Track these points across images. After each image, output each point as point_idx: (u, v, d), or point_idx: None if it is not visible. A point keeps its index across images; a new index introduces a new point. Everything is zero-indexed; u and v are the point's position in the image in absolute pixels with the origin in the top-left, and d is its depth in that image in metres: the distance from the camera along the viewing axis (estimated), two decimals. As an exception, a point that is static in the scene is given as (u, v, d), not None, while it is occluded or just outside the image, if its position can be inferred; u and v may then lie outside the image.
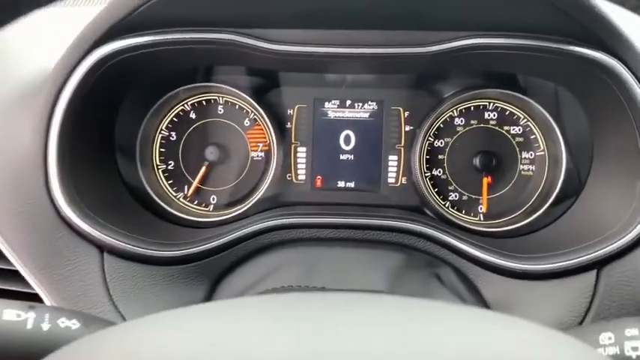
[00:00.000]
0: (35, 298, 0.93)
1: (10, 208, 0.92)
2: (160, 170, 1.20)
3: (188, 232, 1.11)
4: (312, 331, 0.46)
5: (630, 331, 0.60)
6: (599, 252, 0.89)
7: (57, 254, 0.92)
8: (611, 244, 0.88)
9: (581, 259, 0.90)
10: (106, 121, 1.07)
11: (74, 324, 0.66)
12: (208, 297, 0.98)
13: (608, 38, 0.87)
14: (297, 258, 1.01)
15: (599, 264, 0.89)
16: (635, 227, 0.87)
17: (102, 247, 0.93)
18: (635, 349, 0.58)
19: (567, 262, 0.91)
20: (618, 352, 0.59)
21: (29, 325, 0.64)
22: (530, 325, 0.50)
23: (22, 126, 0.93)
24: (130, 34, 0.93)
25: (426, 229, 1.02)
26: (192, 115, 1.20)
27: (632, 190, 0.91)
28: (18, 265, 0.92)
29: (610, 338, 0.60)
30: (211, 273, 0.99)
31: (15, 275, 0.93)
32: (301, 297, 0.57)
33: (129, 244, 0.94)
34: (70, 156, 0.93)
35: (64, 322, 0.66)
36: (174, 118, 1.20)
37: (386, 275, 0.98)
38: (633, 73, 0.87)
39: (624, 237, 0.88)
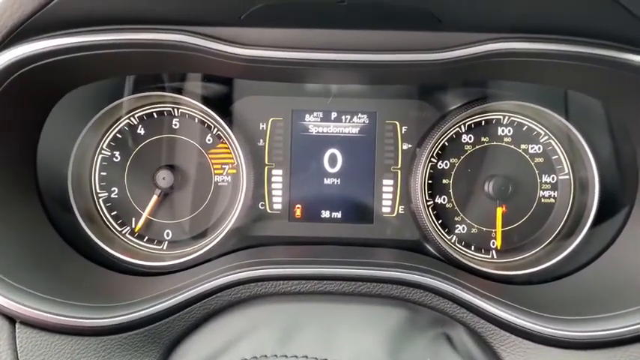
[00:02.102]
0: None
1: None
2: (100, 200, 1.03)
3: (134, 282, 0.93)
4: None
5: None
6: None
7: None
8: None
9: (632, 327, 0.74)
10: (25, 143, 0.86)
11: None
12: (157, 374, 0.78)
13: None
14: (272, 318, 0.85)
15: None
16: None
17: (13, 318, 0.73)
18: None
19: (615, 331, 0.75)
20: None
21: None
22: None
23: None
24: (46, 35, 0.71)
25: (430, 279, 0.85)
26: (141, 131, 1.03)
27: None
28: None
29: None
30: (161, 341, 0.82)
31: None
32: None
33: (50, 313, 0.73)
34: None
35: None
36: (118, 135, 1.03)
37: (383, 339, 0.83)
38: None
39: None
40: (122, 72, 0.91)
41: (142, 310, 0.79)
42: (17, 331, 0.74)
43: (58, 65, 0.76)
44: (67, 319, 0.74)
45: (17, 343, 0.73)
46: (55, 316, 0.74)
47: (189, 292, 0.82)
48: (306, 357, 0.80)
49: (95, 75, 0.86)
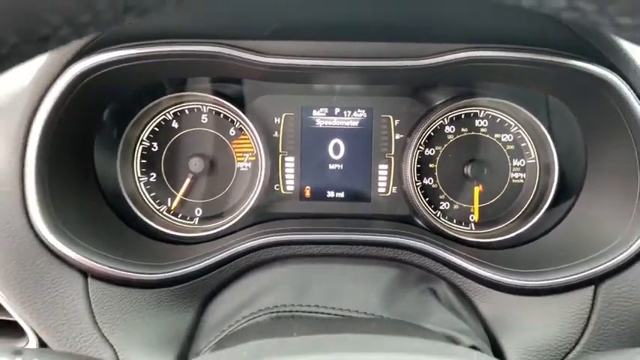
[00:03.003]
0: (16, 326, 0.88)
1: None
2: (141, 183, 1.16)
3: (173, 249, 1.07)
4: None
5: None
6: (596, 268, 0.88)
7: (38, 281, 0.87)
8: (609, 260, 0.88)
9: (578, 275, 0.90)
10: (86, 137, 1.02)
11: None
12: (197, 319, 0.95)
13: (610, 53, 0.86)
14: (289, 276, 0.98)
15: (597, 280, 0.89)
16: (634, 243, 0.87)
17: (86, 272, 0.89)
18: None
19: (565, 279, 0.90)
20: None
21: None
22: None
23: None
24: (110, 47, 0.88)
25: (419, 242, 1.00)
26: (175, 125, 1.16)
27: (630, 204, 0.90)
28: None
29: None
30: (200, 294, 0.96)
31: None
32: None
33: (115, 268, 0.89)
34: (49, 177, 0.88)
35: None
36: (156, 128, 1.16)
37: (380, 292, 0.96)
38: (634, 89, 0.86)
39: (622, 253, 0.87)
40: (165, 77, 1.06)
41: (184, 268, 0.94)
42: (89, 283, 0.89)
43: (117, 73, 0.90)
44: (127, 273, 0.90)
45: (90, 292, 0.89)
46: (118, 271, 0.89)
47: (221, 255, 0.96)
48: (317, 306, 0.95)
49: (143, 79, 1.02)
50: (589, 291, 0.89)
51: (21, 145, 0.86)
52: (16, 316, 0.87)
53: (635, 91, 0.86)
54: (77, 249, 0.88)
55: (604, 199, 0.98)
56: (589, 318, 0.89)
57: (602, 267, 0.88)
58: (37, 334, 0.92)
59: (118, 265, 0.90)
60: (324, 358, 0.53)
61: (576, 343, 0.88)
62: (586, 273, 0.89)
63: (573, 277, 0.90)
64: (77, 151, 0.98)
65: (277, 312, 0.90)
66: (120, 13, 0.31)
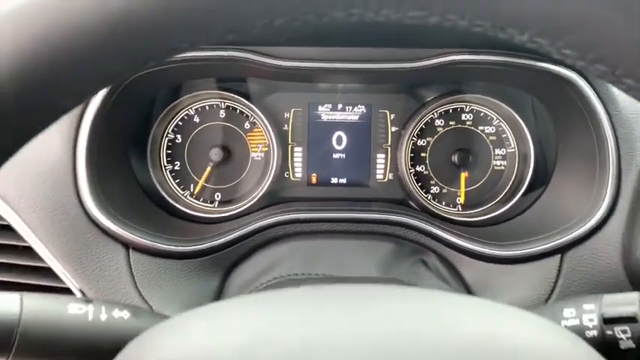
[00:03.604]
0: (67, 292, 1.03)
1: (42, 211, 1.01)
2: (167, 171, 1.30)
3: (198, 227, 1.22)
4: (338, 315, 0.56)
5: (588, 306, 0.74)
6: (562, 239, 1.04)
7: (87, 252, 1.02)
8: (572, 232, 1.03)
9: (547, 245, 1.05)
10: (124, 129, 1.17)
11: (125, 314, 0.78)
12: (222, 285, 1.09)
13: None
14: (300, 249, 1.12)
15: (563, 250, 1.04)
16: (592, 218, 1.03)
17: (128, 245, 1.04)
18: (591, 320, 0.73)
19: (536, 249, 1.06)
20: (578, 324, 0.73)
21: (90, 317, 0.75)
22: (500, 306, 0.62)
23: (52, 134, 1.03)
24: None
25: (411, 220, 1.14)
26: (196, 119, 1.30)
27: (591, 185, 1.06)
28: (51, 263, 1.02)
29: (572, 313, 0.75)
30: (223, 264, 1.10)
31: (48, 272, 1.03)
32: (324, 289, 0.68)
33: (151, 241, 1.05)
34: (96, 164, 1.03)
35: (117, 314, 0.77)
36: (180, 122, 1.29)
37: (378, 263, 1.10)
38: (593, 87, 1.01)
39: (583, 226, 1.03)
40: (192, 77, 1.21)
41: (209, 243, 1.08)
42: (130, 254, 1.04)
43: (150, 75, 1.05)
44: (161, 246, 1.05)
45: (131, 262, 1.04)
46: (154, 244, 1.04)
47: (239, 232, 1.11)
48: (325, 274, 1.10)
49: (173, 80, 1.18)
50: (556, 259, 1.05)
51: (73, 137, 1.02)
52: (68, 283, 1.02)
53: (594, 89, 1.02)
54: (120, 225, 1.03)
55: (570, 181, 1.14)
56: (556, 282, 1.04)
57: (566, 238, 1.04)
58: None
59: (154, 239, 1.06)
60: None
61: (545, 302, 1.03)
62: (553, 244, 1.04)
63: (543, 247, 1.05)
64: (118, 141, 1.14)
65: (290, 279, 1.06)
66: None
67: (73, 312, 0.74)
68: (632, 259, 0.98)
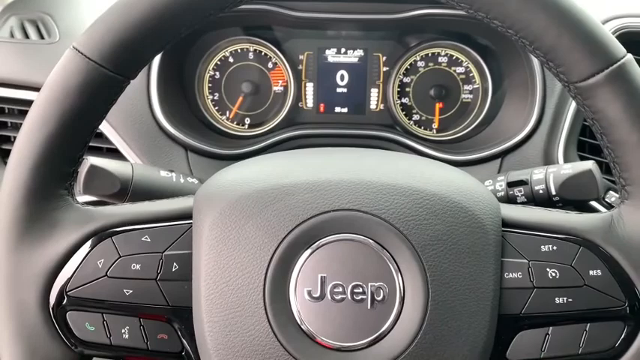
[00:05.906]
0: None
1: (125, 121, 1.41)
2: (208, 100, 1.65)
3: (232, 141, 1.60)
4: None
5: (500, 177, 1.13)
6: (502, 147, 1.42)
7: (158, 154, 1.40)
8: (509, 142, 1.41)
9: (491, 151, 1.42)
10: (178, 65, 1.55)
11: (195, 180, 1.18)
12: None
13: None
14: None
15: (502, 154, 1.42)
16: (523, 131, 1.40)
17: (186, 147, 1.43)
18: (500, 185, 1.12)
19: (483, 154, 1.43)
20: (492, 188, 1.12)
21: (174, 180, 1.15)
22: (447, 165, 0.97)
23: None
24: None
25: (397, 137, 1.53)
26: (230, 60, 1.63)
27: (525, 104, 1.43)
28: (130, 159, 1.42)
29: (490, 182, 1.14)
30: None
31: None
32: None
33: (204, 145, 1.44)
34: (164, 89, 1.42)
35: (190, 179, 1.17)
36: (218, 62, 1.63)
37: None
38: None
39: (517, 136, 1.41)
40: (230, 26, 1.54)
41: (244, 149, 1.46)
42: (189, 154, 1.42)
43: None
44: (211, 149, 1.42)
45: (189, 160, 1.42)
46: (206, 147, 1.42)
47: (266, 142, 1.48)
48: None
49: (216, 28, 1.55)
50: (497, 162, 1.43)
51: (147, 72, 1.40)
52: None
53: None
54: (181, 132, 1.41)
55: (512, 106, 1.51)
56: (497, 177, 1.43)
57: (505, 146, 1.41)
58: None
59: (205, 144, 1.44)
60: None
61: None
62: (495, 150, 1.41)
63: (488, 153, 1.42)
64: (177, 75, 1.52)
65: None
66: None
67: (163, 174, 1.14)
68: (549, 160, 1.37)
